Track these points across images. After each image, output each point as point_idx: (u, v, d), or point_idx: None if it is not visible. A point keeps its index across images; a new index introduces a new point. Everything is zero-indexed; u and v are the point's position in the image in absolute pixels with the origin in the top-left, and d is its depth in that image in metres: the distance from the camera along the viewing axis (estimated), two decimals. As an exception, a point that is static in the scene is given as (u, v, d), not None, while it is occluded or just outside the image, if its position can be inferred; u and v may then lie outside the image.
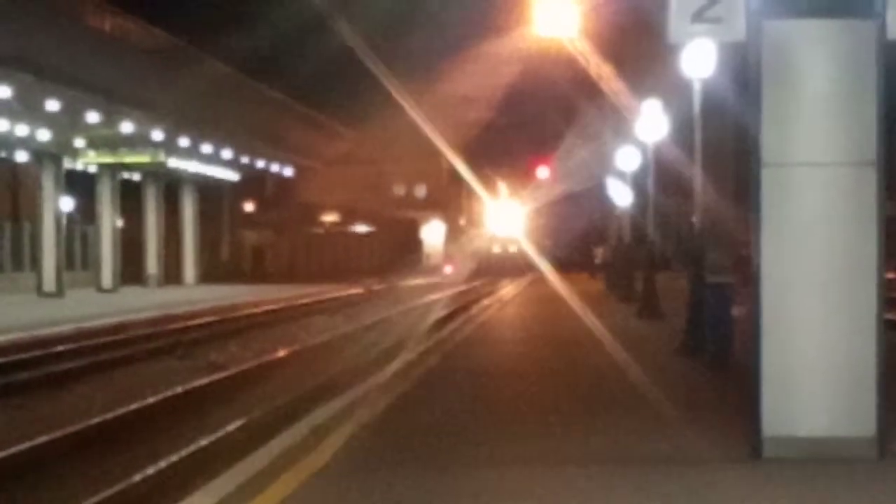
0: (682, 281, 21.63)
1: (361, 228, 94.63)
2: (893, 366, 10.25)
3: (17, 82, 39.95)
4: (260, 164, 73.47)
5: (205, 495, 9.06)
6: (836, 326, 9.85)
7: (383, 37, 59.08)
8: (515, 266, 79.11)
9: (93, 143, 54.78)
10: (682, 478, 9.47)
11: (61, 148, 52.61)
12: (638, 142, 31.55)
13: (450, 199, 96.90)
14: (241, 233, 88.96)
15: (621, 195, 37.78)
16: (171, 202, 68.50)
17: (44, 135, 48.06)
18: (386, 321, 35.47)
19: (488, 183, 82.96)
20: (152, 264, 65.84)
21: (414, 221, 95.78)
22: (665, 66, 22.29)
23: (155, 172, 63.33)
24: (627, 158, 34.22)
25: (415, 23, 65.25)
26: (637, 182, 34.21)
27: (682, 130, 25.39)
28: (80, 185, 58.73)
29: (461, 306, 40.97)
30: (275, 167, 77.65)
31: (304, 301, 47.94)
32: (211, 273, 74.78)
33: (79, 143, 53.75)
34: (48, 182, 52.86)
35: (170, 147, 57.30)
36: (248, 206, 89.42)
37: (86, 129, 50.06)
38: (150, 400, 18.04)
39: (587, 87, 38.15)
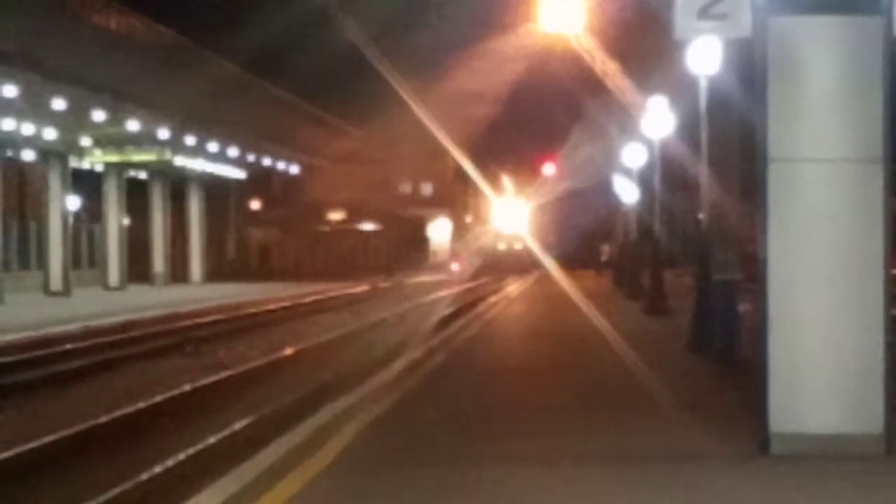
0: (688, 278, 21.68)
1: (368, 226, 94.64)
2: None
3: (24, 81, 39.99)
4: (266, 162, 73.50)
5: (211, 494, 9.08)
6: (842, 322, 9.84)
7: (388, 34, 59.09)
8: (521, 263, 79.09)
9: (99, 142, 54.82)
10: (689, 474, 9.47)
11: (68, 147, 52.66)
12: (644, 138, 31.52)
13: (456, 196, 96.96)
14: (247, 231, 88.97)
15: (627, 192, 37.75)
16: (178, 200, 68.50)
17: (50, 133, 48.11)
18: (393, 319, 35.48)
19: (494, 180, 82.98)
20: (159, 262, 65.87)
21: (420, 219, 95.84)
22: (671, 62, 22.27)
23: (161, 171, 63.36)
24: (633, 155, 34.20)
25: (420, 20, 65.21)
26: (643, 179, 34.17)
27: (688, 127, 25.37)
28: (87, 183, 58.78)
29: (468, 303, 40.96)
30: (281, 165, 77.68)
31: (311, 299, 47.97)
32: (217, 271, 74.80)
33: (85, 141, 53.79)
34: (55, 181, 52.90)
35: (176, 145, 57.32)
36: (255, 204, 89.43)
37: (92, 128, 50.11)
38: (158, 398, 18.07)
39: (593, 84, 38.09)
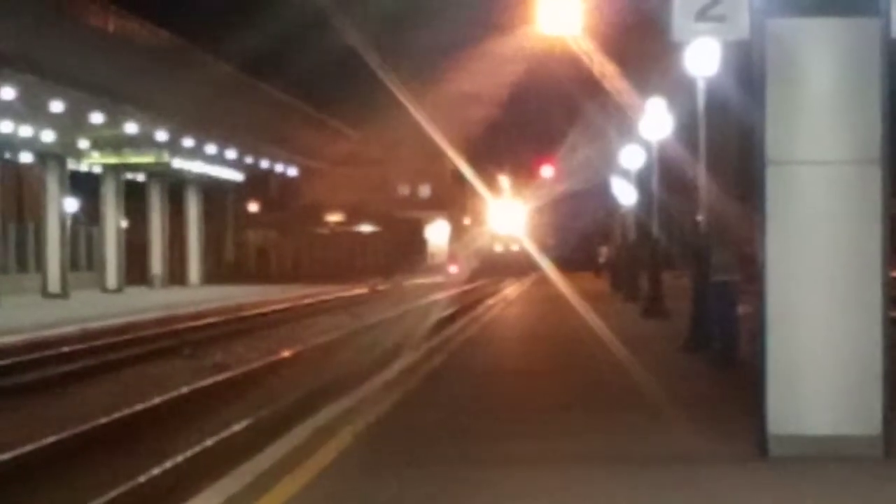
0: (686, 280, 21.65)
1: (366, 228, 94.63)
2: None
3: (22, 83, 39.98)
4: (264, 164, 73.49)
5: (211, 494, 9.08)
6: (840, 324, 9.85)
7: (387, 36, 59.11)
8: (519, 265, 79.06)
9: (97, 144, 54.84)
10: (688, 476, 9.48)
11: (65, 149, 52.65)
12: (642, 140, 31.52)
13: (454, 198, 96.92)
14: (245, 233, 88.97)
15: (625, 194, 37.75)
16: (176, 203, 68.52)
17: (48, 136, 48.10)
18: (391, 320, 35.47)
19: (492, 182, 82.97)
20: (157, 265, 65.87)
21: (418, 221, 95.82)
22: (669, 64, 22.30)
23: (159, 173, 63.36)
24: (631, 157, 34.19)
25: (418, 22, 65.21)
26: (641, 180, 34.16)
27: (686, 129, 25.39)
28: (85, 185, 58.79)
29: (466, 305, 40.98)
30: (279, 167, 77.66)
31: (309, 301, 47.97)
32: (215, 273, 74.80)
33: (83, 143, 53.80)
34: (52, 183, 52.89)
35: (174, 147, 57.35)
36: (253, 207, 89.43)
37: (90, 130, 50.10)
38: (157, 400, 18.07)
39: (591, 86, 38.12)
